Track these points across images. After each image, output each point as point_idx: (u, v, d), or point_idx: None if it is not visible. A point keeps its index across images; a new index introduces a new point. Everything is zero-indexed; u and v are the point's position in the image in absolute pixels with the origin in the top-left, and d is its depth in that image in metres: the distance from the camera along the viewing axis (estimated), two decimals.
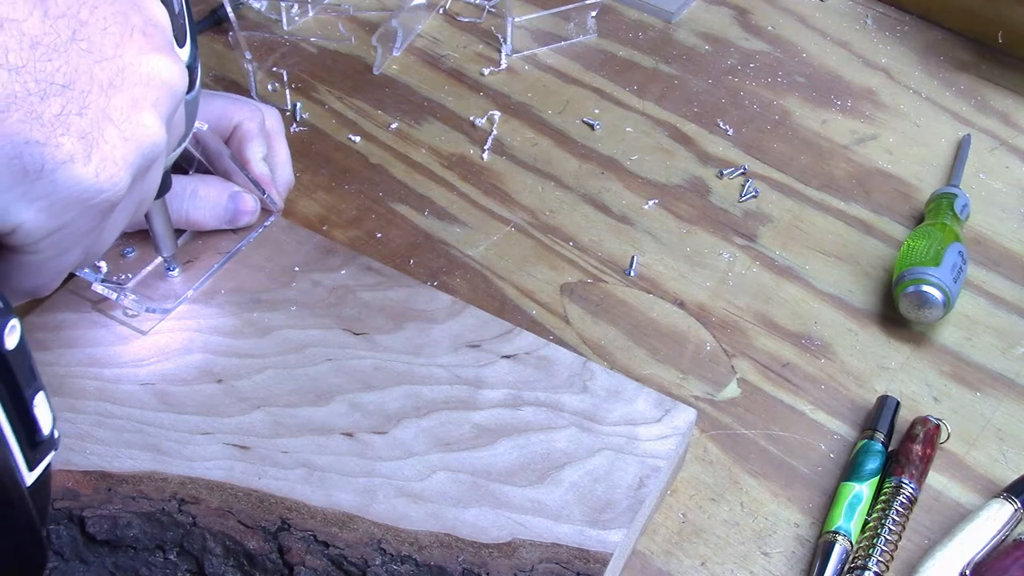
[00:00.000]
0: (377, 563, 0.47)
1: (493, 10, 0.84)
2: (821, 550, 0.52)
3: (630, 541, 0.51)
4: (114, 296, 0.56)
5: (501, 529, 0.48)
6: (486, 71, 0.79)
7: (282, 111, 0.75)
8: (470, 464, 0.51)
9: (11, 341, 0.34)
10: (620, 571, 0.51)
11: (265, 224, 0.61)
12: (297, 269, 0.59)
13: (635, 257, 0.66)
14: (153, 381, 0.54)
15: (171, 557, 0.48)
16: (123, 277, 0.58)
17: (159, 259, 0.58)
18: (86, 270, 0.56)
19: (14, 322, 0.34)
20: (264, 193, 0.60)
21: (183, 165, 0.62)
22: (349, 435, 0.52)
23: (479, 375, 0.54)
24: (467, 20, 0.84)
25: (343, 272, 0.59)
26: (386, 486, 0.50)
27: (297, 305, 0.57)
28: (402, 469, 0.50)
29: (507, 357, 0.55)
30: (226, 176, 0.60)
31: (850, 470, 0.55)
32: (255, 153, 0.61)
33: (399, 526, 0.48)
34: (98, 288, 0.56)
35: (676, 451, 0.52)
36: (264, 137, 0.61)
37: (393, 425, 0.52)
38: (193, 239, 0.60)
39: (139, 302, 0.56)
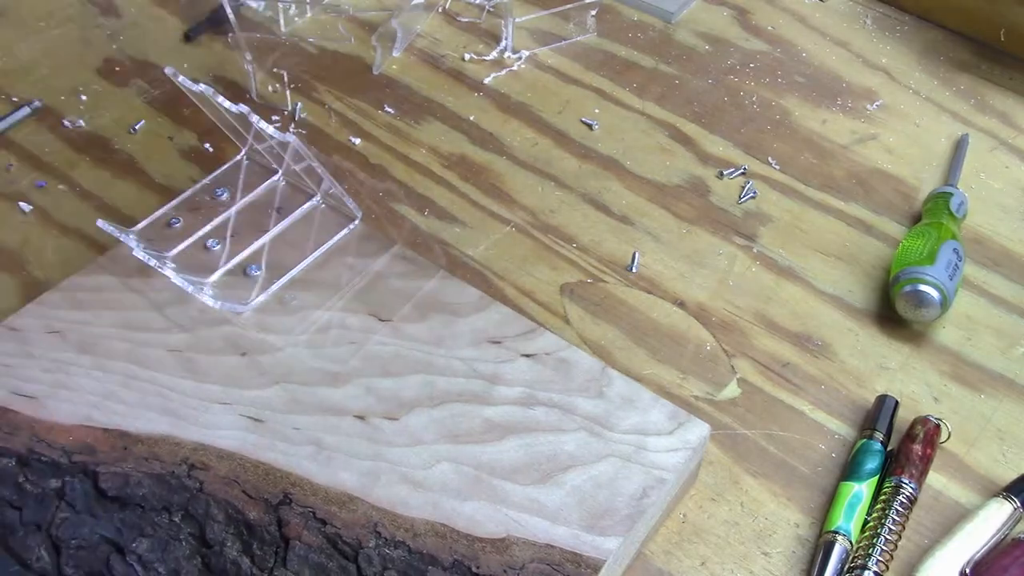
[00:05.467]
0: (371, 545, 0.48)
1: (493, 10, 0.84)
2: (821, 550, 0.52)
3: (628, 550, 0.50)
4: (154, 263, 0.57)
5: (497, 525, 0.48)
6: (486, 75, 0.79)
7: (281, 112, 0.75)
8: (475, 457, 0.51)
9: None
10: None
11: (349, 228, 0.62)
12: (333, 251, 0.60)
13: (636, 254, 0.66)
14: (181, 348, 0.55)
15: (175, 519, 0.49)
16: (166, 246, 0.60)
17: (202, 232, 0.61)
18: (130, 236, 0.57)
19: None
20: (347, 200, 0.61)
21: (273, 167, 0.64)
22: (361, 418, 0.53)
23: (497, 371, 0.55)
24: (467, 20, 0.84)
25: (377, 259, 0.60)
26: (390, 471, 0.50)
27: (328, 286, 0.58)
28: (408, 456, 0.51)
29: (527, 356, 0.55)
30: (315, 181, 0.62)
31: (849, 470, 0.55)
32: None
33: (397, 511, 0.49)
34: (139, 255, 0.57)
35: (685, 465, 0.52)
36: None
37: (405, 412, 0.53)
38: (236, 215, 0.62)
39: (215, 298, 0.57)
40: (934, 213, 0.66)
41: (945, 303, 0.61)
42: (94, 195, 0.69)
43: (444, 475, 0.50)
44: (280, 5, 0.82)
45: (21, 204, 0.69)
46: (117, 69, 0.79)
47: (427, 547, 0.48)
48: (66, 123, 0.74)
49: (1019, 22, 0.79)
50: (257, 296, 0.58)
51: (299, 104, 0.75)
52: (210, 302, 0.57)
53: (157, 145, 0.73)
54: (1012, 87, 0.79)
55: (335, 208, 0.62)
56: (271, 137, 0.57)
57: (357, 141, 0.74)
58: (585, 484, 0.50)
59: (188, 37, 0.81)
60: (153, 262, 0.57)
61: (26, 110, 0.74)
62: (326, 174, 0.59)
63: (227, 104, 0.58)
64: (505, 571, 0.47)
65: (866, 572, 0.51)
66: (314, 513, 0.49)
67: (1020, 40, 0.80)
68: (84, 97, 0.76)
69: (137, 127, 0.74)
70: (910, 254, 0.62)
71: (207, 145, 0.73)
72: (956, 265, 0.62)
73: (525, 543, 0.48)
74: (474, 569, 0.47)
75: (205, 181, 0.64)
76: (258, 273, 0.59)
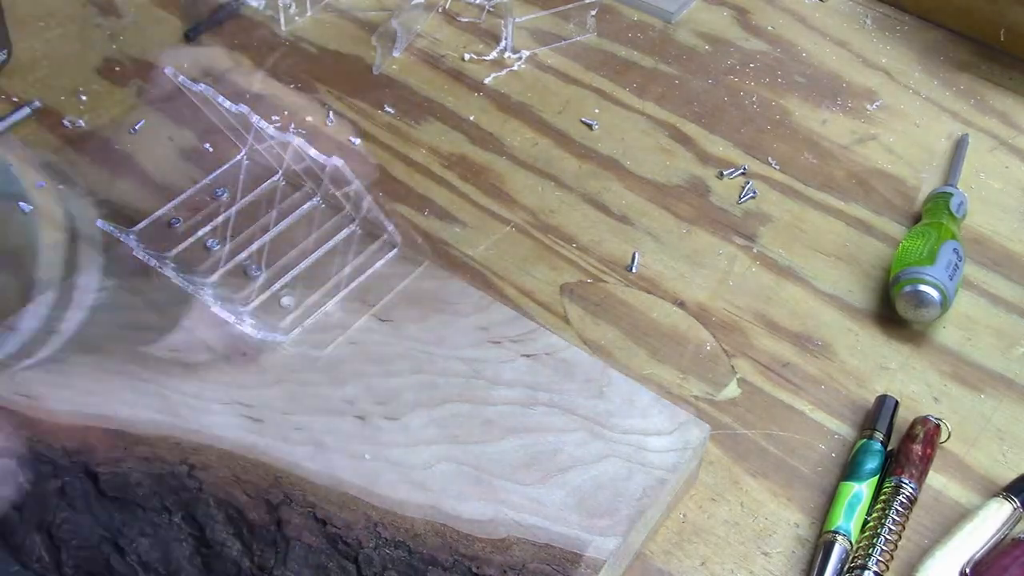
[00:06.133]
0: (371, 546, 0.48)
1: (493, 10, 0.84)
2: (821, 550, 0.52)
3: (628, 550, 0.50)
4: (154, 263, 0.57)
5: (497, 525, 0.48)
6: (486, 75, 0.79)
7: (283, 112, 0.75)
8: (475, 457, 0.51)
9: None
10: None
11: (388, 257, 0.61)
12: (333, 251, 0.60)
13: (636, 254, 0.66)
14: (181, 349, 0.55)
15: (175, 520, 0.49)
16: (166, 246, 0.60)
17: (202, 232, 0.61)
18: (130, 236, 0.58)
19: None
20: (388, 225, 0.61)
21: (274, 166, 0.63)
22: (361, 418, 0.53)
23: (497, 371, 0.55)
24: (467, 20, 0.84)
25: (378, 259, 0.60)
26: (390, 471, 0.50)
27: (329, 287, 0.59)
28: (408, 456, 0.51)
29: (527, 356, 0.55)
30: (354, 205, 0.60)
31: (849, 470, 0.55)
32: None
33: (397, 512, 0.49)
34: (139, 254, 0.57)
35: (685, 465, 0.52)
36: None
37: (405, 412, 0.53)
38: (237, 215, 0.62)
39: (215, 297, 0.57)
40: (934, 213, 0.66)
41: (945, 303, 0.61)
42: (94, 195, 0.69)
43: (444, 475, 0.50)
44: (280, 4, 0.82)
45: (21, 204, 0.69)
46: (117, 69, 0.79)
47: (427, 547, 0.48)
48: (66, 123, 0.74)
49: (1019, 22, 0.79)
50: (257, 296, 0.58)
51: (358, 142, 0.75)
52: (210, 302, 0.57)
53: (157, 145, 0.73)
54: (1012, 87, 0.79)
55: (372, 234, 0.62)
56: (271, 137, 0.57)
57: (357, 141, 0.74)
58: (585, 484, 0.50)
59: (188, 37, 0.81)
60: (153, 262, 0.57)
61: (26, 110, 0.74)
62: (368, 198, 0.59)
63: (227, 104, 0.58)
64: (505, 571, 0.47)
65: (866, 572, 0.51)
66: (314, 513, 0.49)
67: (1020, 40, 0.80)
68: (84, 97, 0.76)
69: (137, 127, 0.74)
70: (910, 254, 0.62)
71: (207, 145, 0.73)
72: (956, 265, 0.62)
73: (525, 543, 0.48)
74: (474, 569, 0.47)
75: (205, 181, 0.64)
76: (258, 273, 0.59)
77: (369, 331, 0.57)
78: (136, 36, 0.81)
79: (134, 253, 0.57)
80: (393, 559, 0.47)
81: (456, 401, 0.53)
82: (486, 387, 0.54)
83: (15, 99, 0.75)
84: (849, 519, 0.53)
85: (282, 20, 0.82)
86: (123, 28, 0.82)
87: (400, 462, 0.51)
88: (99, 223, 0.57)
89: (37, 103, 0.75)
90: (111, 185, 0.70)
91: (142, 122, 0.74)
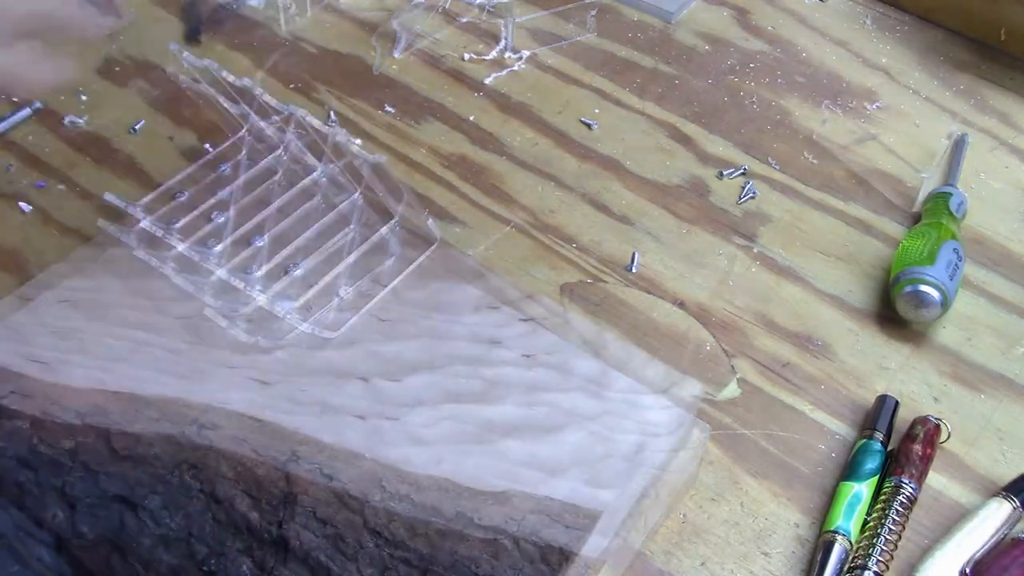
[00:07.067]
0: (376, 499, 0.49)
1: (493, 10, 0.84)
2: (821, 550, 0.52)
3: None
4: (160, 234, 0.58)
5: (498, 479, 0.50)
6: (486, 75, 0.79)
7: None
8: (476, 416, 0.52)
9: None
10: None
11: (425, 254, 0.62)
12: (335, 221, 0.62)
13: (636, 254, 0.66)
14: (190, 315, 0.57)
15: (186, 478, 0.50)
16: (172, 219, 0.62)
17: (206, 204, 0.62)
18: (137, 208, 0.59)
19: None
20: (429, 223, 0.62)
21: (275, 142, 0.65)
22: (364, 380, 0.54)
23: (495, 335, 0.56)
24: (467, 20, 0.84)
25: (380, 228, 0.62)
26: (393, 430, 0.52)
27: (331, 255, 0.60)
28: (410, 415, 0.53)
29: (524, 320, 0.57)
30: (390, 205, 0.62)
31: (849, 470, 0.55)
32: None
33: (401, 467, 0.50)
34: (146, 225, 0.58)
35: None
36: None
37: (407, 374, 0.54)
38: (239, 189, 0.63)
39: (249, 331, 0.57)
40: (934, 213, 0.66)
41: (945, 303, 0.61)
42: (94, 195, 0.69)
43: (446, 432, 0.52)
44: (280, 4, 0.82)
45: (21, 204, 0.69)
46: (117, 69, 0.79)
47: (430, 500, 0.49)
48: (66, 123, 0.74)
49: (1019, 22, 0.79)
50: (263, 266, 0.59)
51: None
52: (210, 303, 0.57)
53: (157, 145, 0.73)
54: (1012, 87, 0.79)
55: (412, 231, 0.63)
56: (273, 109, 0.58)
57: (357, 141, 0.74)
58: (583, 440, 0.52)
59: (189, 37, 0.81)
60: (160, 233, 0.58)
61: (27, 111, 0.74)
62: (408, 195, 0.60)
63: (231, 78, 0.58)
64: (506, 522, 0.48)
65: (866, 572, 0.51)
66: (321, 469, 0.50)
67: (1020, 40, 0.80)
68: (84, 97, 0.76)
69: (137, 127, 0.74)
70: (910, 254, 0.62)
71: (207, 145, 0.73)
72: (956, 265, 0.62)
73: (525, 496, 0.49)
74: (476, 520, 0.48)
75: (209, 157, 0.66)
76: (262, 244, 0.60)
77: (370, 297, 0.58)
78: (136, 36, 0.81)
79: (141, 225, 0.57)
80: (397, 512, 0.48)
81: (456, 363, 0.55)
82: (485, 350, 0.55)
83: (15, 99, 0.75)
84: (849, 519, 0.53)
85: (282, 20, 0.82)
86: (123, 28, 0.82)
87: (403, 420, 0.52)
88: (106, 196, 0.57)
89: (38, 103, 0.75)
90: (111, 185, 0.70)
91: (142, 122, 0.74)
